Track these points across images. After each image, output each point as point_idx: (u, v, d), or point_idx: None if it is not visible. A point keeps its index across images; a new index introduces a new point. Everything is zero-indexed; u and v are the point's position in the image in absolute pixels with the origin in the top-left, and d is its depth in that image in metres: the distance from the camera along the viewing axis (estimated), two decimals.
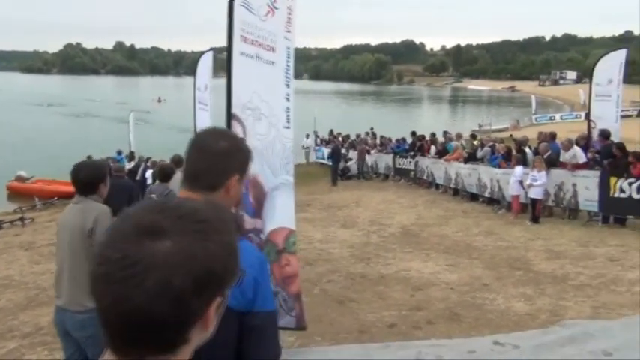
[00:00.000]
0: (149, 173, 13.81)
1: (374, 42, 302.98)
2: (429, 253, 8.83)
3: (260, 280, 1.52)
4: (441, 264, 8.03)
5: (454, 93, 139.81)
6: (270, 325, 1.60)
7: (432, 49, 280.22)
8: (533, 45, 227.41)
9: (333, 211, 13.77)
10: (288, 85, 3.67)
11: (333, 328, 5.52)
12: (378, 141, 24.20)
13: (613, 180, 10.00)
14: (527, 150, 13.03)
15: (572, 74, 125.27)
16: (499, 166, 12.94)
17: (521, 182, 11.42)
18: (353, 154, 23.24)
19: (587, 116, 11.69)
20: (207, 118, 10.37)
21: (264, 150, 3.45)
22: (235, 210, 1.75)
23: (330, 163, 21.58)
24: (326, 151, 25.35)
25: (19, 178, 20.48)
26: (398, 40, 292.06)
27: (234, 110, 3.24)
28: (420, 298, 6.46)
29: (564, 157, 11.37)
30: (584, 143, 11.43)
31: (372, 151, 22.72)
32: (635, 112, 45.96)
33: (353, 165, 22.54)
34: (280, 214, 3.59)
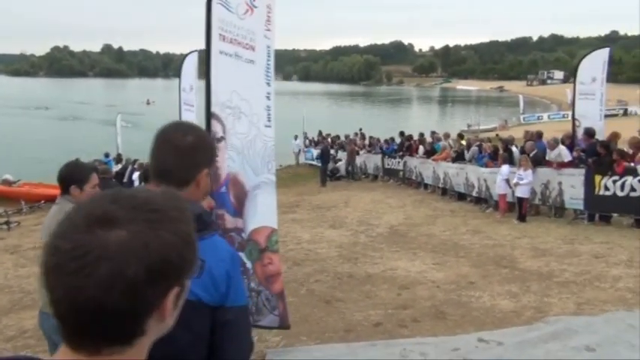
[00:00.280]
0: (136, 175, 13.74)
1: (363, 43, 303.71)
2: (416, 252, 8.85)
3: (232, 274, 1.53)
4: (428, 263, 8.05)
5: (443, 93, 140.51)
6: (243, 320, 1.60)
7: (420, 50, 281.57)
8: (521, 45, 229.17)
9: (321, 212, 13.77)
10: (268, 84, 3.66)
11: (319, 328, 5.51)
12: (367, 141, 24.23)
13: (598, 178, 10.08)
14: (513, 149, 13.11)
15: (559, 74, 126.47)
16: (486, 165, 13.01)
17: (507, 181, 11.48)
18: (342, 155, 23.27)
19: (573, 115, 11.78)
20: (194, 119, 10.33)
21: (244, 149, 3.44)
22: (203, 202, 1.74)
23: (319, 164, 21.59)
24: (315, 151, 25.37)
25: (5, 182, 20.26)
26: (387, 41, 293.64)
27: (214, 109, 3.23)
28: (407, 296, 6.47)
29: (550, 155, 11.46)
30: (569, 142, 11.51)
31: (361, 152, 22.75)
32: (622, 111, 46.37)
33: (342, 165, 22.56)
34: (262, 212, 3.58)
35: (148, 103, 70.75)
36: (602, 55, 11.50)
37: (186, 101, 10.75)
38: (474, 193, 13.66)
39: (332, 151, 23.67)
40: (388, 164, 19.73)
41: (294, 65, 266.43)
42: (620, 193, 9.75)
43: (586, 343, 4.67)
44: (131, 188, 0.94)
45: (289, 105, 66.22)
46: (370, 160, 21.76)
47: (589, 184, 10.24)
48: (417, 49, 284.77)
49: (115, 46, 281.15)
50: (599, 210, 10.41)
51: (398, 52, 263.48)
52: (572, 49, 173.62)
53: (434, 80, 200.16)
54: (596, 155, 10.34)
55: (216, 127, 3.22)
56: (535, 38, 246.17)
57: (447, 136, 17.86)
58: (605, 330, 4.94)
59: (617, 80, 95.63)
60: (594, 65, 11.36)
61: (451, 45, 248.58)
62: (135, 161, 16.99)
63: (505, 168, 11.59)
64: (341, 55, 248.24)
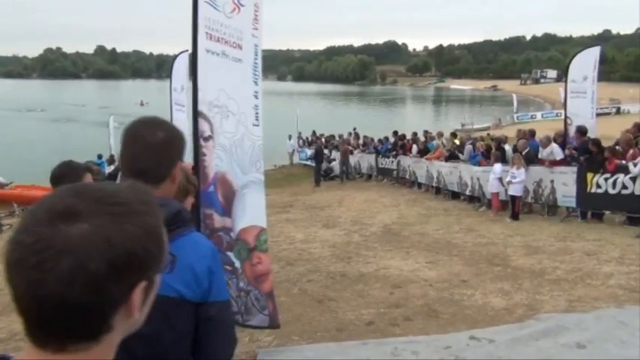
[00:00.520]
0: None
1: (357, 43, 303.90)
2: (409, 251, 8.85)
3: (214, 269, 1.53)
4: (421, 262, 8.05)
5: (437, 93, 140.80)
6: (226, 316, 1.60)
7: (414, 50, 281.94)
8: (514, 44, 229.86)
9: (315, 212, 13.77)
10: (256, 83, 3.65)
11: (311, 327, 5.50)
12: (361, 141, 24.23)
13: (590, 175, 10.12)
14: (506, 147, 13.15)
15: (552, 73, 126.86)
16: (479, 164, 13.03)
17: (500, 179, 11.50)
18: (336, 155, 23.26)
19: (564, 113, 11.82)
20: (185, 119, 10.30)
21: (232, 148, 3.42)
22: (187, 200, 1.74)
23: (313, 164, 21.58)
24: (309, 151, 25.34)
25: None
26: (381, 40, 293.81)
27: (201, 108, 3.22)
28: (399, 295, 6.47)
29: (542, 153, 11.49)
30: (561, 140, 11.55)
31: (355, 151, 22.75)
32: (614, 110, 46.58)
33: (336, 165, 22.55)
34: (251, 212, 3.57)
35: (142, 104, 70.52)
36: (593, 54, 11.54)
37: (177, 101, 10.72)
38: (468, 192, 13.69)
39: (326, 151, 23.66)
40: (382, 164, 19.74)
41: (288, 65, 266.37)
42: (611, 191, 9.78)
43: (577, 340, 4.69)
44: (98, 182, 0.92)
45: (284, 105, 66.23)
46: (364, 160, 21.77)
47: (581, 182, 10.27)
48: (410, 48, 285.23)
49: (109, 47, 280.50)
50: (591, 208, 10.44)
51: (392, 52, 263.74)
52: (566, 48, 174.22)
53: (428, 80, 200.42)
54: (588, 153, 10.37)
55: (203, 125, 3.21)
56: (528, 37, 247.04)
57: (440, 135, 17.89)
58: (596, 327, 4.96)
59: (610, 79, 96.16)
60: (585, 63, 11.41)
61: (445, 45, 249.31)
62: None
63: (498, 166, 11.61)
64: (335, 55, 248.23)
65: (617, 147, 10.35)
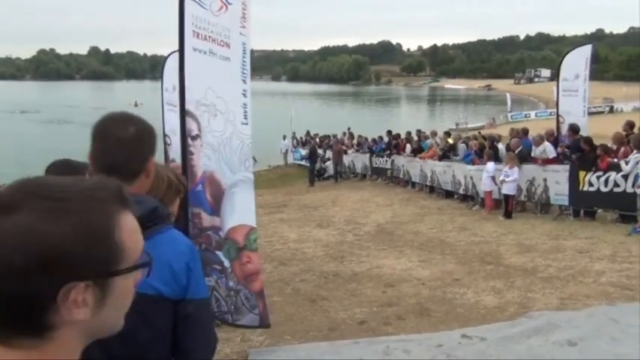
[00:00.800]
0: None
1: (351, 43, 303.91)
2: (402, 250, 8.86)
3: (192, 266, 1.51)
4: (414, 260, 8.05)
5: (432, 92, 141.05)
6: (205, 313, 1.59)
7: (408, 50, 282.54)
8: (508, 44, 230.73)
9: (309, 211, 13.77)
10: (244, 81, 3.63)
11: (303, 327, 5.48)
12: (355, 141, 24.24)
13: (582, 174, 10.14)
14: (499, 146, 13.17)
15: (546, 72, 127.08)
16: (472, 163, 13.05)
17: (493, 178, 11.52)
18: (330, 154, 23.27)
19: (557, 112, 11.85)
20: (176, 119, 10.20)
21: (220, 146, 3.41)
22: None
23: (308, 164, 21.58)
24: (303, 151, 25.34)
25: None
26: (375, 40, 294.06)
27: (188, 106, 3.20)
28: (392, 294, 6.46)
29: (535, 152, 11.52)
30: (553, 139, 11.58)
31: (349, 151, 22.76)
32: (608, 109, 46.77)
33: (330, 165, 22.56)
34: (240, 211, 3.55)
35: (136, 105, 70.23)
36: (584, 52, 11.58)
37: (168, 101, 10.63)
38: (461, 191, 13.70)
39: (320, 151, 23.65)
40: (376, 163, 19.75)
41: (282, 66, 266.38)
42: (604, 189, 9.81)
43: (568, 337, 4.69)
44: (47, 176, 0.90)
45: (278, 105, 66.17)
46: (358, 160, 21.77)
47: (573, 180, 10.30)
48: (405, 48, 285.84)
49: (102, 48, 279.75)
50: (584, 206, 10.47)
51: (386, 51, 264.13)
52: (559, 47, 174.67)
53: (422, 79, 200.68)
54: (580, 151, 10.40)
55: (191, 124, 3.20)
56: (522, 37, 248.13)
57: (434, 134, 17.93)
58: (587, 324, 4.96)
59: (604, 78, 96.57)
60: (577, 62, 11.44)
61: (439, 44, 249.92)
62: None
63: (490, 165, 11.63)
64: (330, 56, 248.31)
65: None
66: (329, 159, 23.01)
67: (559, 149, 11.21)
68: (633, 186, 9.19)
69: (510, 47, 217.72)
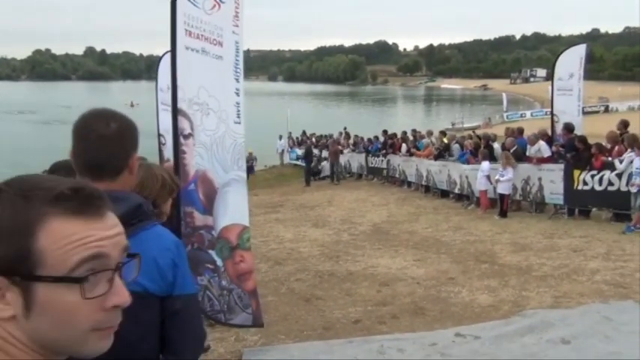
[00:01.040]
0: None
1: (347, 43, 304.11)
2: (397, 249, 8.87)
3: (178, 262, 1.51)
4: (409, 260, 8.06)
5: (428, 92, 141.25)
6: (193, 309, 1.59)
7: (405, 50, 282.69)
8: (504, 44, 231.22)
9: (304, 211, 13.77)
10: (237, 80, 3.63)
11: (297, 326, 5.48)
12: (351, 140, 24.24)
13: (577, 173, 10.17)
14: (495, 145, 13.19)
15: (542, 72, 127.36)
16: (468, 162, 13.07)
17: (488, 177, 11.54)
18: (327, 154, 23.26)
19: (551, 111, 11.88)
20: (170, 119, 10.18)
21: (213, 145, 3.41)
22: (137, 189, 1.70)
23: (304, 164, 21.58)
24: (299, 151, 25.33)
25: None
26: (371, 40, 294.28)
27: (180, 105, 3.20)
28: (387, 293, 6.47)
29: (530, 151, 11.54)
30: (546, 138, 11.60)
31: (345, 151, 22.76)
32: (603, 108, 46.90)
33: (326, 165, 22.56)
34: (233, 210, 3.55)
35: (132, 106, 70.19)
36: (578, 52, 11.62)
37: (162, 101, 10.62)
38: (457, 190, 13.72)
39: (316, 151, 23.65)
40: (372, 163, 19.76)
41: (279, 66, 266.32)
42: (598, 188, 9.84)
43: (561, 335, 4.70)
44: (44, 174, 0.90)
45: (275, 105, 66.11)
46: (354, 159, 21.78)
47: (568, 179, 10.33)
48: (401, 48, 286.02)
49: (98, 48, 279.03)
50: (578, 204, 10.50)
51: (382, 51, 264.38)
52: (555, 47, 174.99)
53: (418, 79, 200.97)
54: (575, 150, 10.43)
55: (183, 123, 3.19)
56: (518, 37, 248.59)
57: (429, 133, 17.94)
58: (581, 322, 4.98)
59: (599, 77, 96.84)
60: (571, 61, 11.47)
61: (435, 44, 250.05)
62: None
63: (485, 164, 11.65)
64: (326, 56, 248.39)
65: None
66: (325, 159, 23.01)
67: (554, 148, 11.23)
68: (627, 184, 9.22)
69: (506, 47, 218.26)
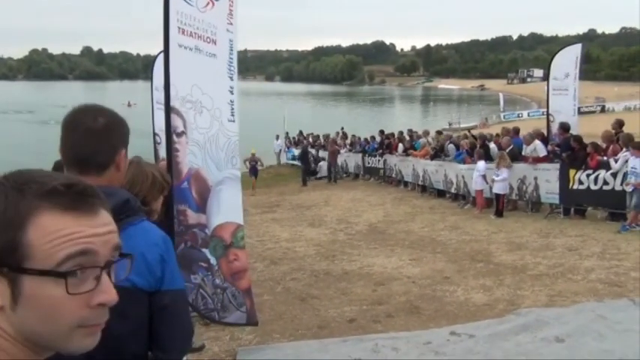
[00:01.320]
0: None
1: (345, 43, 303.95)
2: (393, 248, 8.87)
3: (166, 257, 1.51)
4: (405, 259, 8.07)
5: (425, 92, 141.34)
6: (181, 304, 1.59)
7: (402, 50, 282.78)
8: (501, 44, 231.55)
9: (301, 211, 13.77)
10: (231, 78, 3.62)
11: (292, 325, 5.49)
12: (348, 140, 24.25)
13: (572, 172, 10.19)
14: (491, 145, 13.21)
15: (539, 72, 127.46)
16: (464, 162, 13.09)
17: (484, 177, 11.56)
18: (324, 154, 23.25)
19: (547, 111, 11.90)
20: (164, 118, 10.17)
21: (207, 143, 3.40)
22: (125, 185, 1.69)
23: (300, 164, 21.58)
24: (296, 151, 25.33)
25: None
26: (369, 41, 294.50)
27: (173, 103, 3.19)
28: (382, 292, 6.48)
29: (526, 150, 11.57)
30: (542, 138, 11.63)
31: (342, 151, 22.76)
32: (599, 108, 47.00)
33: (323, 165, 22.55)
34: (226, 208, 3.55)
35: (129, 105, 70.10)
36: (574, 51, 11.63)
37: (158, 100, 10.60)
38: (453, 190, 13.74)
39: (312, 151, 23.64)
40: (369, 163, 19.78)
41: (276, 66, 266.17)
42: (593, 187, 9.86)
43: (556, 334, 4.71)
44: (43, 169, 0.90)
45: (272, 105, 66.09)
46: (351, 159, 21.79)
47: (564, 179, 10.35)
48: (398, 48, 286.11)
49: (95, 48, 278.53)
50: (574, 204, 10.52)
51: (380, 52, 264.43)
52: (552, 47, 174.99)
53: (416, 80, 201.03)
54: (571, 150, 10.45)
55: (176, 121, 3.19)
56: (515, 37, 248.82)
57: (426, 133, 17.97)
58: (575, 321, 4.99)
59: (595, 78, 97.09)
60: (567, 61, 11.49)
61: (432, 44, 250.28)
62: None
63: (481, 164, 11.66)
64: (323, 56, 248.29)
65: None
66: (323, 159, 23.01)
67: (549, 148, 11.26)
68: (622, 184, 9.24)
69: (503, 47, 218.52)
